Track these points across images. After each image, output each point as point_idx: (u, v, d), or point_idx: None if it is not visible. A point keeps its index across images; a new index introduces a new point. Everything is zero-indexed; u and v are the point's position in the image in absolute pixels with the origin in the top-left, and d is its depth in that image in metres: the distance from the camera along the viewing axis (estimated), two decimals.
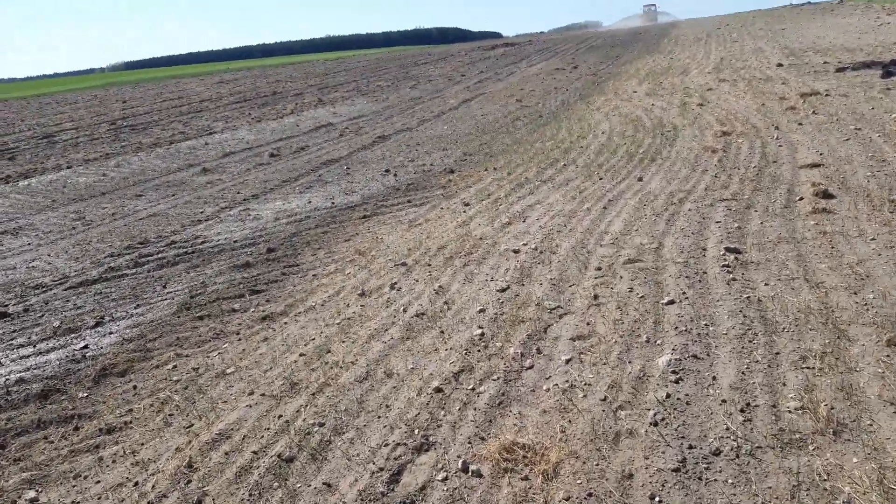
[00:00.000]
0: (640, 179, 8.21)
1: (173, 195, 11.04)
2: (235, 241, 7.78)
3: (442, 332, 4.70)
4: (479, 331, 4.59)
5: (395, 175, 10.59)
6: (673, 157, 9.17)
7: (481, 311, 4.96)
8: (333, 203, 9.09)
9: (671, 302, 4.65)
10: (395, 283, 5.79)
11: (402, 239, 7.12)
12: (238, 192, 10.66)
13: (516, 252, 6.13)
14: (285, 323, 5.31)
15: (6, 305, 6.32)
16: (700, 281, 4.98)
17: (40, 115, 30.90)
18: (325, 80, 34.67)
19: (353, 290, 5.79)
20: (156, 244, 8.02)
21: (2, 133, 23.89)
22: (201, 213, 9.52)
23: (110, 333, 5.53)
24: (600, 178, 8.55)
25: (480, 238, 6.67)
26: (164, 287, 6.50)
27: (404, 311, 5.16)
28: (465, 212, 7.82)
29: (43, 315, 6.04)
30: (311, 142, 15.44)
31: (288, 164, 12.79)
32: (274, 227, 8.26)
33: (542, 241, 6.35)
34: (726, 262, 5.23)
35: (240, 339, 5.11)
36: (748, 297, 4.58)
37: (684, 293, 4.78)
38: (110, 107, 31.66)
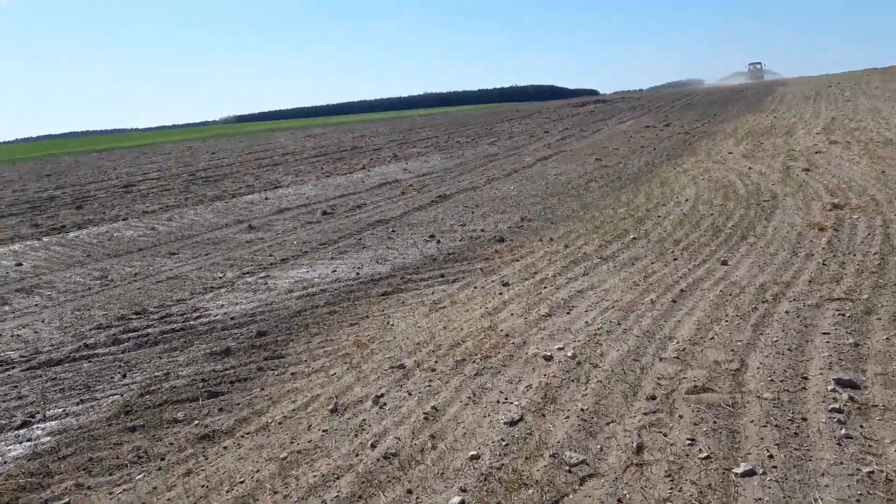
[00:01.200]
0: (724, 263, 6.54)
1: (206, 255, 10.22)
2: (232, 318, 6.67)
3: (409, 491, 3.27)
4: (458, 499, 3.13)
5: (439, 242, 9.32)
6: (769, 234, 7.43)
7: (474, 458, 3.51)
8: (358, 274, 7.89)
9: (749, 473, 3.06)
10: (381, 395, 4.42)
11: (414, 327, 5.77)
12: (270, 255, 9.70)
13: (547, 360, 4.65)
14: (224, 448, 4.03)
15: None
16: (796, 435, 3.34)
17: (134, 164, 32.05)
18: (408, 136, 34.39)
19: (326, 402, 4.46)
20: (150, 316, 7.04)
21: (91, 181, 24.61)
22: (220, 277, 8.56)
23: (27, 441, 4.43)
24: (674, 259, 6.93)
25: (507, 335, 5.22)
26: (123, 377, 5.41)
27: (372, 446, 3.77)
28: (500, 294, 6.40)
29: None
30: (371, 199, 14.52)
31: (336, 224, 11.82)
32: (282, 301, 7.12)
33: (583, 345, 4.84)
34: (836, 405, 3.56)
35: (160, 469, 3.87)
36: (870, 474, 2.92)
37: (770, 456, 3.17)
38: (199, 158, 32.47)
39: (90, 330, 6.77)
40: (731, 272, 6.25)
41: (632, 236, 8.15)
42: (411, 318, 6.09)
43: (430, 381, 4.58)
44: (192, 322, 6.68)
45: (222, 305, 7.20)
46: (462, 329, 5.50)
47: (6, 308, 8.06)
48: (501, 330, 5.34)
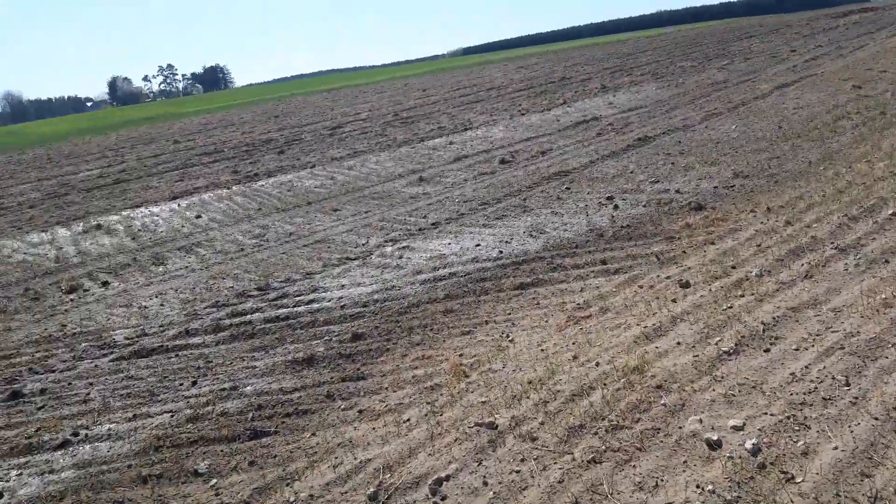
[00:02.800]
0: None
1: (365, 212, 9.42)
2: (342, 307, 5.64)
3: None
4: None
5: (616, 207, 7.45)
6: None
7: None
8: (501, 252, 6.41)
9: None
10: (447, 478, 3.04)
11: (537, 350, 4.23)
12: (424, 216, 8.59)
13: (712, 448, 2.89)
14: None
15: (23, 382, 5.05)
16: None
17: (352, 104, 33.04)
18: (625, 62, 31.11)
19: (373, 476, 3.18)
20: (267, 294, 6.30)
21: (309, 122, 25.60)
22: (363, 245, 7.65)
23: (49, 472, 3.79)
24: None
25: (660, 386, 3.48)
26: (193, 384, 4.63)
27: None
28: (673, 302, 4.56)
29: (40, 408, 4.60)
30: (559, 143, 12.76)
31: (509, 176, 10.35)
32: (404, 285, 5.93)
33: (778, 425, 2.98)
34: None
35: None
36: None
37: None
38: (410, 96, 32.51)
39: (205, 308, 6.19)
40: None
41: (891, 211, 5.61)
42: (539, 332, 4.53)
43: (523, 460, 3.07)
44: (301, 308, 5.77)
45: (343, 286, 6.21)
46: (598, 363, 3.84)
47: (159, 270, 7.92)
48: (653, 375, 3.59)
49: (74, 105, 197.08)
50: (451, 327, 4.83)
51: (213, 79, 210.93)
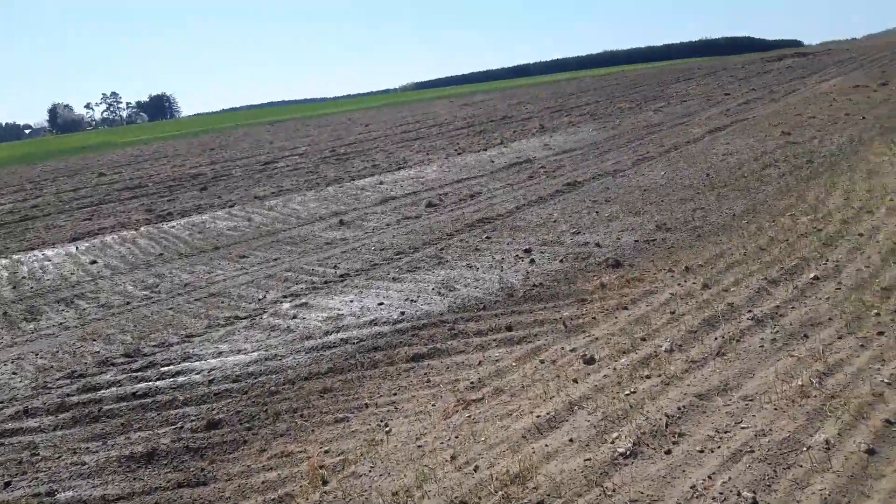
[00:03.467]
0: None
1: (273, 260, 8.73)
2: (211, 382, 4.94)
3: None
4: None
5: (533, 261, 6.97)
6: None
7: None
8: (403, 314, 5.82)
9: None
10: None
11: (412, 446, 3.63)
12: (334, 267, 7.96)
13: None
14: None
15: None
16: None
17: (291, 137, 32.33)
18: (566, 102, 31.38)
19: None
20: (131, 364, 5.54)
21: (243, 156, 24.76)
22: (259, 300, 6.96)
23: None
24: (879, 333, 4.09)
25: (541, 500, 2.91)
26: (4, 487, 3.85)
27: None
28: (574, 383, 4.04)
29: None
30: (490, 186, 12.36)
31: (432, 222, 9.84)
32: (289, 353, 5.27)
33: None
34: None
35: None
36: None
37: None
38: (351, 131, 32.05)
39: (59, 379, 5.39)
40: None
41: (812, 274, 5.26)
42: (422, 420, 3.93)
43: None
44: (163, 382, 5.04)
45: (220, 353, 5.51)
46: (478, 466, 3.26)
47: (29, 327, 7.05)
48: (536, 486, 3.02)
49: (13, 132, 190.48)
50: (324, 412, 4.19)
51: (158, 107, 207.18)
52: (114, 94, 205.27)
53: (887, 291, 4.73)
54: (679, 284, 5.58)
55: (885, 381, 3.52)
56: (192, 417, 4.37)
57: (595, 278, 6.10)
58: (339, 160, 19.88)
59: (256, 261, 8.87)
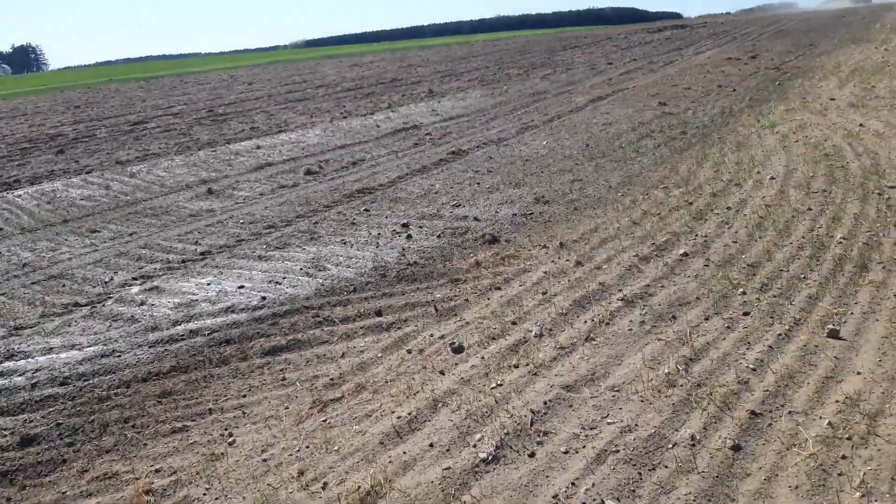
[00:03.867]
0: (833, 335, 3.67)
1: (129, 235, 7.93)
2: (35, 386, 4.30)
3: None
4: None
5: (410, 237, 6.65)
6: None
7: None
8: (265, 298, 5.35)
9: None
10: None
11: (257, 460, 3.25)
12: (195, 243, 7.30)
13: None
14: None
15: None
16: None
17: (168, 96, 30.14)
18: (456, 66, 31.05)
19: None
20: None
21: (112, 115, 22.75)
22: (102, 284, 6.24)
23: None
24: (745, 314, 4.11)
25: None
26: None
27: None
28: (441, 375, 3.79)
29: None
30: (374, 153, 11.87)
31: (308, 192, 9.29)
32: (129, 348, 4.69)
33: None
34: None
35: None
36: None
37: None
38: (232, 89, 30.31)
39: None
40: (845, 358, 3.39)
41: (681, 250, 5.26)
42: (272, 426, 3.54)
43: None
44: None
45: (51, 349, 4.84)
46: (326, 483, 2.94)
47: None
48: (399, 489, 2.72)
49: None
50: (160, 421, 3.71)
51: (23, 60, 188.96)
52: None
53: (753, 268, 4.77)
54: (553, 261, 5.44)
55: (751, 366, 3.49)
56: (5, 432, 3.76)
57: (471, 255, 5.87)
58: (216, 122, 18.64)
59: (109, 236, 8.04)
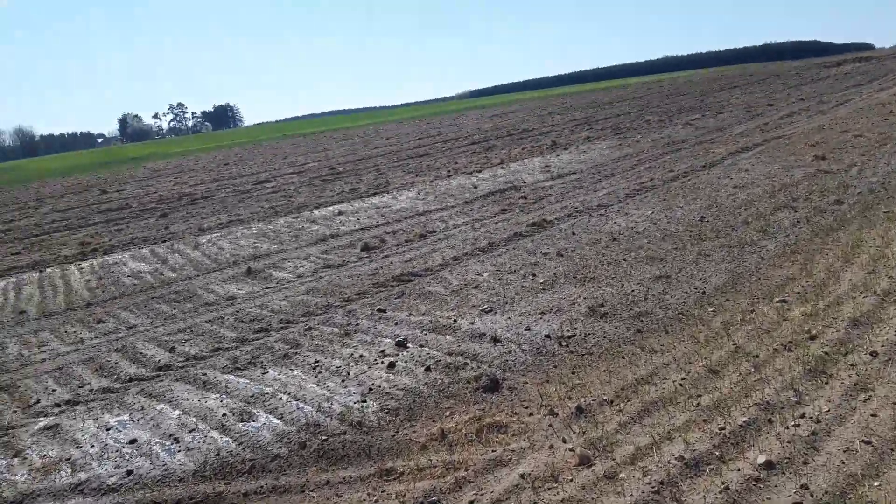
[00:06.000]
0: None
1: (127, 330, 6.96)
2: None
3: None
4: None
5: (393, 365, 4.90)
6: None
7: None
8: (130, 474, 3.82)
9: None
10: None
11: None
12: (169, 351, 6.10)
13: None
14: None
15: None
16: None
17: (307, 153, 30.85)
18: (595, 113, 28.90)
19: None
20: None
21: (246, 173, 23.30)
22: (26, 406, 5.13)
23: None
24: None
25: None
26: None
27: None
28: None
29: None
30: (451, 222, 10.34)
31: (349, 274, 7.94)
32: None
33: None
34: None
35: None
36: None
37: None
38: (369, 144, 30.42)
39: None
40: None
41: (764, 456, 3.00)
42: None
43: None
44: None
45: None
46: None
47: None
48: None
49: (86, 141, 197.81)
50: None
51: (222, 117, 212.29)
52: (180, 104, 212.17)
53: None
54: (550, 447, 3.42)
55: None
56: None
57: (445, 415, 3.97)
58: (326, 181, 18.12)
59: (108, 329, 7.11)
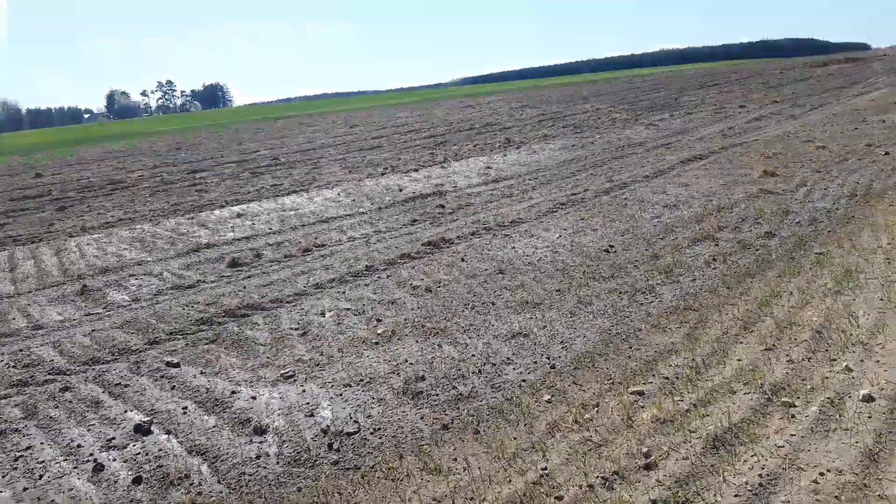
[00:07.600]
0: None
1: None
2: None
3: None
4: None
5: (101, 468, 3.55)
6: None
7: None
8: None
9: None
10: None
11: None
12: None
13: None
14: None
15: None
16: None
17: (266, 139, 29.40)
18: (566, 109, 27.54)
19: None
20: None
21: (189, 160, 21.84)
22: None
23: None
24: None
25: None
26: None
27: None
28: None
29: None
30: (350, 233, 9.07)
31: (185, 301, 6.60)
32: None
33: None
34: None
35: None
36: None
37: None
38: (331, 133, 28.97)
39: None
40: None
41: None
42: None
43: None
44: None
45: None
46: None
47: None
48: None
49: (73, 116, 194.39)
50: None
51: (212, 96, 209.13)
52: (169, 82, 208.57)
53: None
54: None
55: None
56: None
57: None
58: (257, 174, 16.74)
59: None
